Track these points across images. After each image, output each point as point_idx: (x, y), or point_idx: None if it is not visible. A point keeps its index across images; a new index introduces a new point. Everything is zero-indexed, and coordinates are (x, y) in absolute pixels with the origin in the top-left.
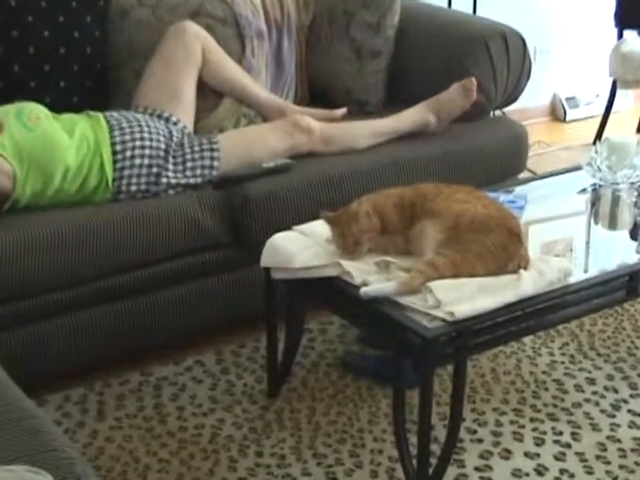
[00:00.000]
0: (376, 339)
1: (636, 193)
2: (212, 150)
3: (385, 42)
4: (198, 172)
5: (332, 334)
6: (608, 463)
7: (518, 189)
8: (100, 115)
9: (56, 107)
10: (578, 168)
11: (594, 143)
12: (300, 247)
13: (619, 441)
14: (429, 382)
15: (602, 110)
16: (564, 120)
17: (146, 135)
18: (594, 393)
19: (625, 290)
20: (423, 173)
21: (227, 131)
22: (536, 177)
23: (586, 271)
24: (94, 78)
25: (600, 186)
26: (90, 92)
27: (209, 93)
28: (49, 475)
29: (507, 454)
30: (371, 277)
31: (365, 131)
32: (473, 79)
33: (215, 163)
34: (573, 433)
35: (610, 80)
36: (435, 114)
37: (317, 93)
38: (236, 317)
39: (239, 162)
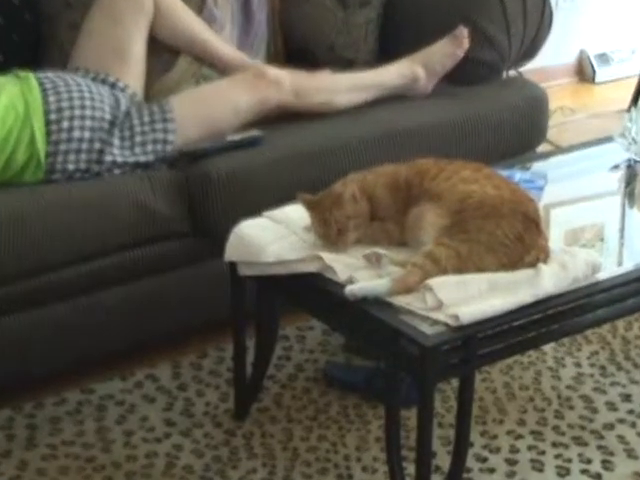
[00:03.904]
0: (365, 348)
1: None
2: (165, 120)
3: None
4: (149, 148)
5: (312, 342)
6: None
7: (536, 166)
8: (31, 76)
9: None
10: (609, 140)
11: (629, 110)
12: (272, 237)
13: None
14: (429, 400)
15: (638, 69)
16: (593, 81)
17: (88, 103)
18: (630, 412)
19: None
20: (421, 146)
21: (182, 93)
22: (559, 151)
23: (620, 264)
24: (22, 32)
25: (636, 161)
26: (17, 49)
27: (162, 51)
28: None
29: None
30: (359, 273)
31: (343, 84)
32: (463, 28)
33: (169, 137)
34: (604, 461)
35: None
36: (423, 66)
37: (294, 50)
38: (196, 322)
39: (198, 127)
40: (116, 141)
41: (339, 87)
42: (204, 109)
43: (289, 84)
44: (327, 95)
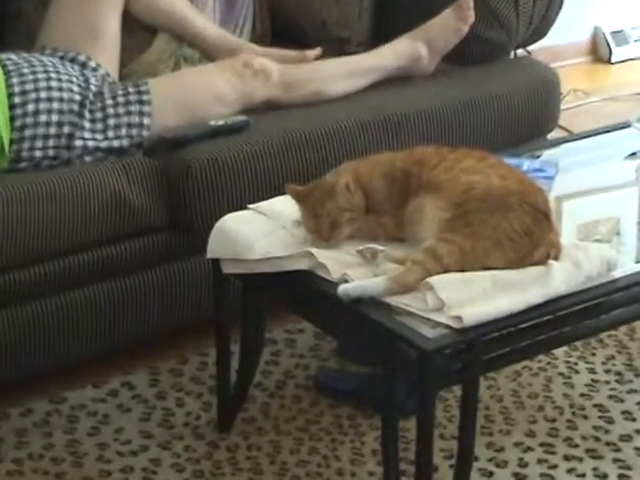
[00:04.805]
0: (360, 352)
1: None
2: (141, 102)
3: None
4: (123, 132)
5: (302, 346)
6: None
7: (547, 154)
8: None
9: None
10: (626, 125)
11: None
12: (259, 232)
13: None
14: (430, 408)
15: None
16: (609, 61)
17: (54, 84)
18: None
19: None
20: (421, 132)
21: (160, 76)
22: (571, 137)
23: (637, 261)
24: None
25: None
26: None
27: (138, 28)
28: None
29: None
30: (353, 271)
31: (337, 71)
32: None
33: (145, 120)
34: (621, 475)
35: None
36: (426, 44)
37: (282, 27)
38: (176, 324)
39: (177, 114)
40: (87, 124)
41: (333, 75)
42: (185, 95)
43: (277, 76)
44: (319, 85)
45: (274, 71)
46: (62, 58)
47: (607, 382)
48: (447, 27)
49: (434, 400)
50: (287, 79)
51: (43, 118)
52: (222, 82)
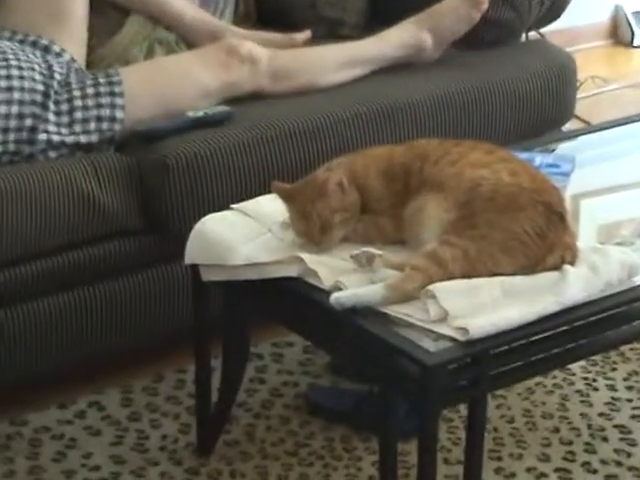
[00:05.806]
0: (355, 368)
1: None
2: (113, 94)
3: None
4: (92, 126)
5: (291, 361)
6: None
7: (562, 147)
8: None
9: None
10: None
11: None
12: (242, 235)
13: None
14: (432, 430)
15: None
16: (631, 45)
17: (15, 72)
18: None
19: None
20: (422, 123)
21: (135, 64)
22: (589, 129)
23: None
24: None
25: None
26: None
27: (108, 9)
28: None
29: None
30: (347, 278)
31: (333, 61)
32: None
33: (117, 113)
34: None
35: None
36: (431, 32)
37: (268, 8)
38: (150, 337)
39: (152, 106)
40: (51, 116)
41: (327, 65)
42: (162, 85)
43: (266, 64)
44: (312, 76)
45: (263, 58)
46: (22, 42)
47: (629, 400)
48: (457, 14)
49: (437, 420)
50: (277, 68)
51: (2, 110)
52: (204, 73)
